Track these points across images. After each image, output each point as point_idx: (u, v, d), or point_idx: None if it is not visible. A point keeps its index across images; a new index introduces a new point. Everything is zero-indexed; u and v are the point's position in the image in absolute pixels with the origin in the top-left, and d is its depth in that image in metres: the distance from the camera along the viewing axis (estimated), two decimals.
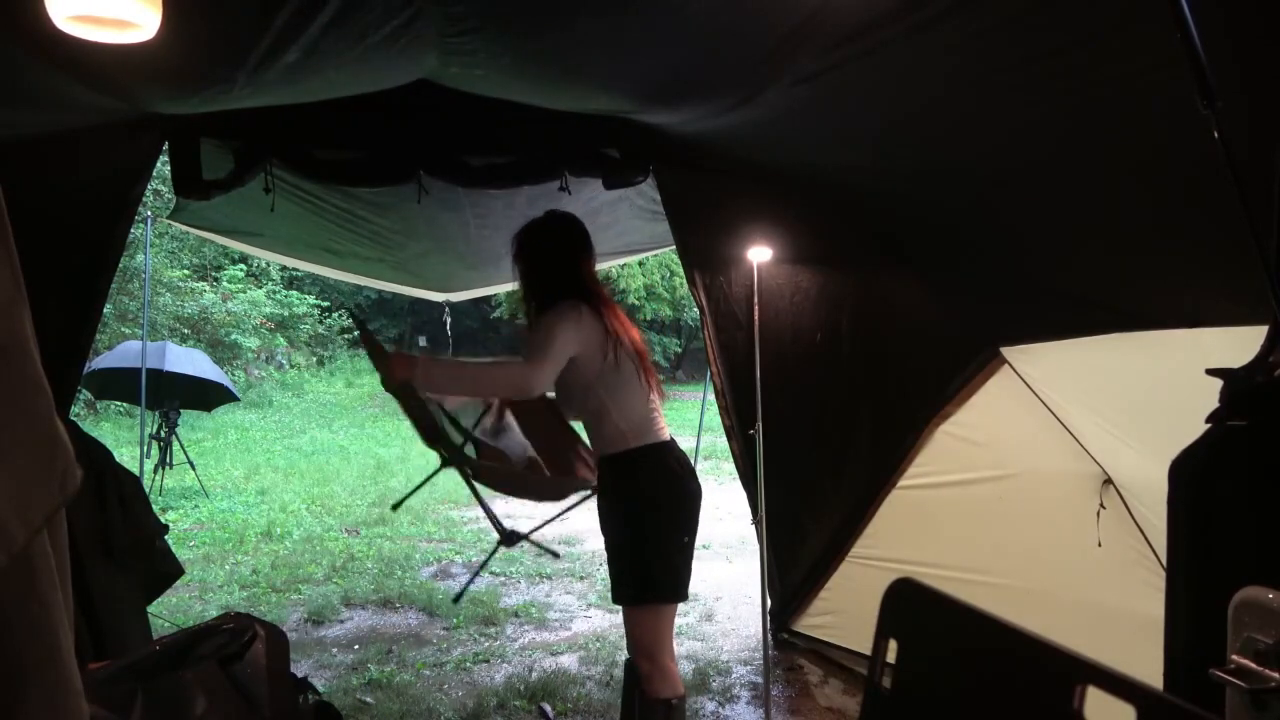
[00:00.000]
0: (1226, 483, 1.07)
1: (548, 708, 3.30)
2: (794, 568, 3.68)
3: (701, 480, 2.50)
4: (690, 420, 10.13)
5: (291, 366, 16.86)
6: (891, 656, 1.04)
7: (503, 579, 5.12)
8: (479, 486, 2.53)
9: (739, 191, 3.17)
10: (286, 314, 16.19)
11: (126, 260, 10.24)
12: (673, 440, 2.47)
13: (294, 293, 16.71)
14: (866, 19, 1.67)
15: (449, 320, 6.57)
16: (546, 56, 2.26)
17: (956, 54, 1.75)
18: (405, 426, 12.36)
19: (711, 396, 4.55)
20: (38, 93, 2.18)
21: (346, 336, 18.82)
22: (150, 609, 2.93)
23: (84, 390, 8.29)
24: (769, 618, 3.43)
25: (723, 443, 4.70)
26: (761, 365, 3.20)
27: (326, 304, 17.84)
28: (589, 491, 2.64)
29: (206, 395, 8.00)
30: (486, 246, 4.29)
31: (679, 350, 20.33)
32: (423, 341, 22.74)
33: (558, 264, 2.46)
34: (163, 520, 3.10)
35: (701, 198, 3.14)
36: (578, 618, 4.45)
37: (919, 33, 1.66)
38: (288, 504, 7.34)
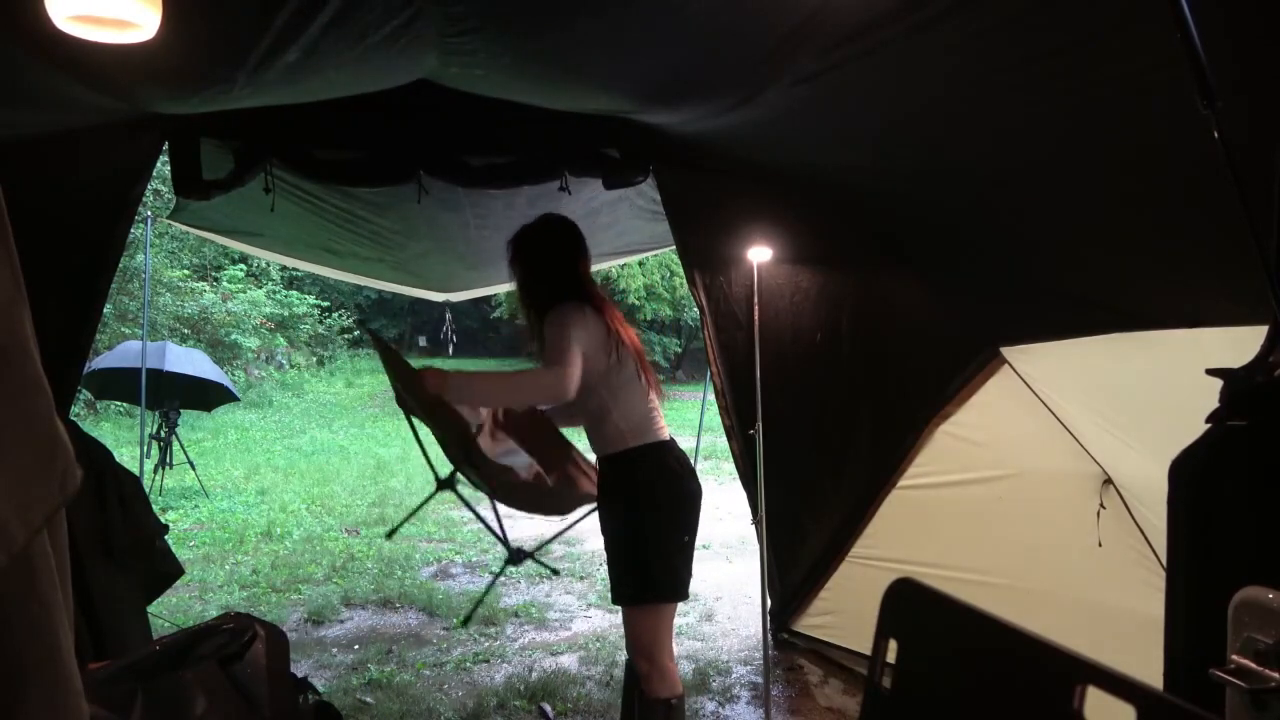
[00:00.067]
0: (1226, 483, 1.07)
1: (548, 708, 3.30)
2: (794, 568, 3.68)
3: (701, 480, 2.50)
4: (690, 420, 10.13)
5: (291, 366, 16.86)
6: (891, 656, 1.04)
7: (503, 579, 5.12)
8: (479, 507, 2.54)
9: (739, 191, 3.17)
10: (286, 314, 16.19)
11: (126, 260, 10.24)
12: (672, 440, 2.47)
13: (294, 293, 16.72)
14: (866, 19, 1.67)
15: (450, 322, 6.57)
16: (546, 56, 2.26)
17: (956, 54, 1.75)
18: (404, 427, 12.39)
19: (711, 396, 4.55)
20: (38, 93, 2.18)
21: (346, 336, 18.83)
22: (150, 609, 2.93)
23: (84, 390, 8.29)
24: (769, 618, 3.43)
25: (723, 443, 4.70)
26: (761, 365, 3.20)
27: (326, 304, 17.85)
28: (593, 505, 2.65)
29: (206, 395, 8.00)
30: (486, 246, 4.28)
31: (679, 350, 20.33)
32: (423, 341, 22.77)
33: (556, 266, 2.47)
34: (163, 520, 3.10)
35: (701, 198, 3.14)
36: (578, 618, 4.45)
37: (919, 33, 1.66)
38: (288, 504, 7.34)
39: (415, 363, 2.46)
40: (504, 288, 6.43)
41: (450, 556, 5.71)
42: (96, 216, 2.69)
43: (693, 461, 2.60)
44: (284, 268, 14.73)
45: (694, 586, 2.49)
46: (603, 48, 2.15)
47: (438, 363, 2.52)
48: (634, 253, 5.29)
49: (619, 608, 2.48)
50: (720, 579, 5.05)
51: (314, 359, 17.84)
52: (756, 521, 3.26)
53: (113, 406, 11.25)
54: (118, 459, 2.83)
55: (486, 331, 22.19)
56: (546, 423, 2.77)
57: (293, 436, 11.72)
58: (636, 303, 17.30)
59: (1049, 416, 2.83)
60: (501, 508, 2.94)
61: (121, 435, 10.42)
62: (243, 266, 15.46)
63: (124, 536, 2.62)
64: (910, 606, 1.05)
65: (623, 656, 3.74)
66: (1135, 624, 1.83)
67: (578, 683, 3.56)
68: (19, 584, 0.50)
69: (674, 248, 3.40)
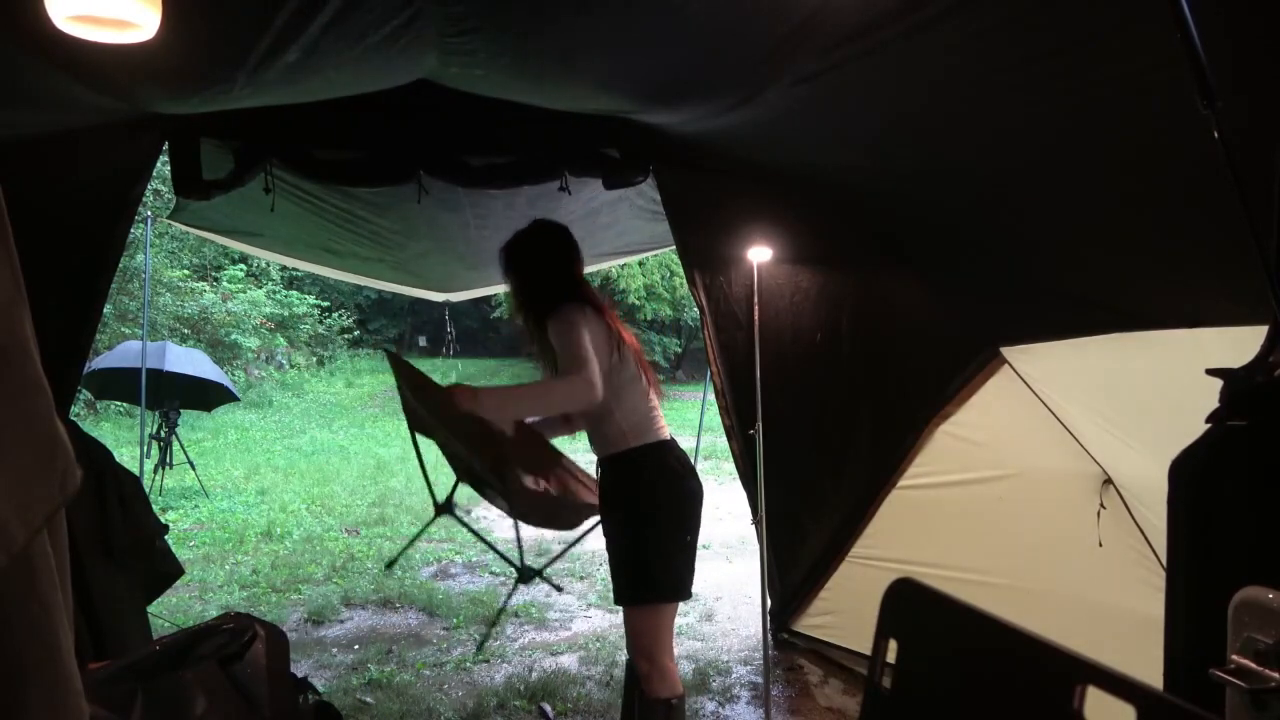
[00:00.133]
0: (1226, 483, 1.07)
1: (548, 708, 3.30)
2: (794, 568, 3.68)
3: (701, 480, 2.50)
4: (690, 420, 10.13)
5: (291, 366, 16.86)
6: (891, 656, 1.04)
7: (502, 579, 5.12)
8: (482, 528, 2.54)
9: (739, 191, 3.17)
10: (286, 314, 16.19)
11: (126, 260, 10.24)
12: (673, 439, 2.48)
13: (294, 293, 16.72)
14: (866, 19, 1.67)
15: (449, 326, 6.59)
16: (546, 56, 2.26)
17: (956, 54, 1.75)
18: (404, 427, 12.39)
19: (711, 396, 4.55)
20: (38, 93, 2.18)
21: (346, 336, 18.83)
22: (150, 609, 2.92)
23: (84, 390, 8.29)
24: (769, 618, 3.43)
25: (723, 443, 4.70)
26: (761, 365, 3.20)
27: (326, 304, 17.85)
28: (597, 518, 2.66)
29: (206, 395, 8.00)
30: (486, 246, 4.28)
31: (679, 350, 20.33)
32: (423, 341, 22.77)
33: (552, 270, 2.48)
34: (163, 520, 3.10)
35: (701, 198, 3.14)
36: (578, 618, 4.45)
37: (919, 33, 1.66)
38: (288, 504, 7.34)
39: (425, 371, 2.46)
40: (504, 288, 6.39)
41: (450, 556, 5.70)
42: (96, 216, 2.68)
43: (693, 461, 2.60)
44: (284, 268, 14.73)
45: (694, 586, 2.49)
46: (603, 48, 2.15)
47: (433, 372, 2.52)
48: (634, 253, 5.28)
49: (619, 608, 2.48)
50: (720, 579, 5.05)
51: (314, 359, 17.83)
52: (756, 521, 3.26)
53: (113, 406, 11.25)
54: (118, 459, 2.83)
55: (486, 331, 22.18)
56: (537, 434, 2.76)
57: (293, 436, 11.72)
58: (636, 303, 17.30)
59: (1049, 416, 2.83)
60: (502, 528, 2.95)
61: (121, 435, 10.42)
62: (243, 266, 15.46)
63: (124, 536, 2.61)
64: (910, 606, 1.05)
65: (623, 656, 3.74)
66: (1135, 624, 1.83)
67: (578, 683, 3.56)
68: (19, 584, 0.50)
69: (674, 248, 3.40)
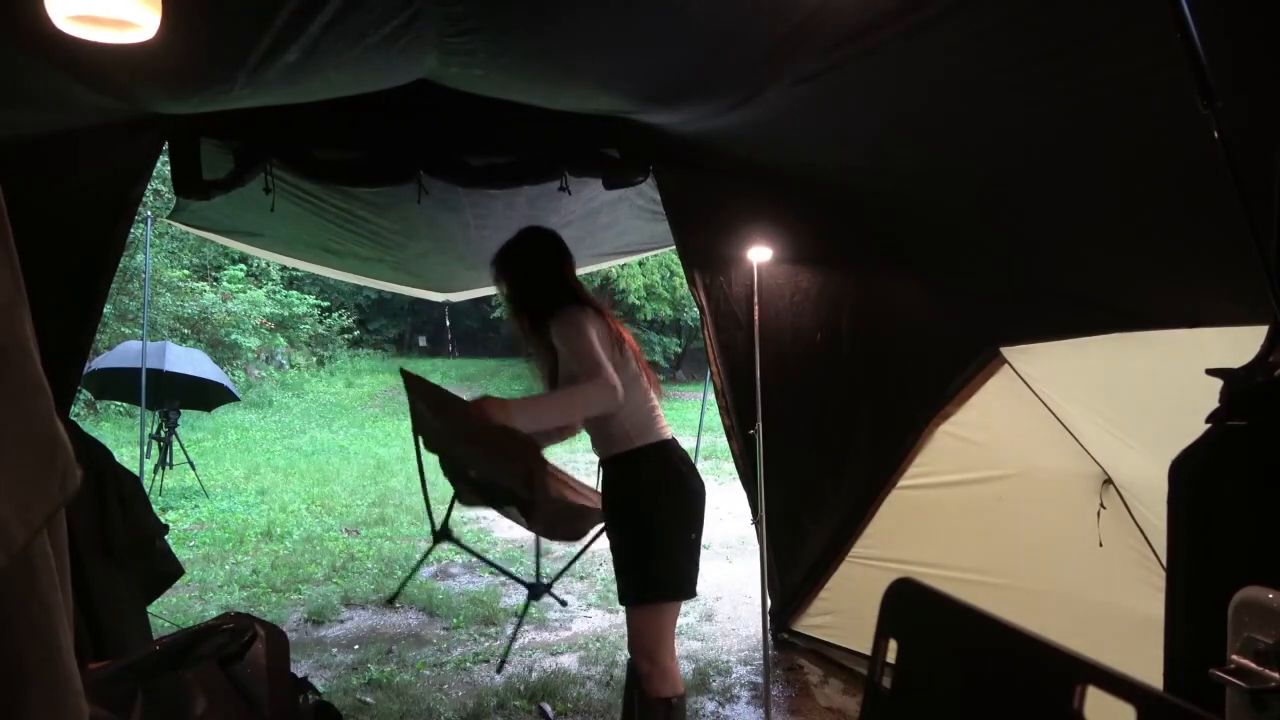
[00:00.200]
0: (1226, 483, 1.07)
1: (548, 708, 3.30)
2: (794, 568, 3.68)
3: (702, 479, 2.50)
4: (690, 420, 10.12)
5: (291, 366, 16.86)
6: (891, 656, 1.04)
7: (502, 579, 5.12)
8: (483, 529, 2.54)
9: (739, 191, 3.17)
10: (286, 314, 16.19)
11: (126, 260, 10.24)
12: (674, 439, 2.49)
13: (294, 293, 16.72)
14: (866, 19, 1.67)
15: (449, 328, 6.60)
16: (546, 56, 2.26)
17: (956, 54, 1.75)
18: (404, 427, 12.38)
19: (711, 396, 4.55)
20: (38, 93, 2.18)
21: (346, 336, 18.84)
22: (150, 609, 2.92)
23: (84, 390, 8.29)
24: (769, 618, 3.43)
25: (723, 443, 4.70)
26: (761, 365, 3.20)
27: (326, 304, 17.85)
28: (600, 529, 2.66)
29: (206, 395, 8.00)
30: (486, 246, 4.25)
31: (679, 350, 20.33)
32: (423, 341, 22.76)
33: (548, 275, 2.50)
34: (163, 520, 3.10)
35: (701, 198, 3.14)
36: (578, 618, 4.45)
37: (919, 33, 1.66)
38: (288, 504, 7.34)
39: (425, 371, 2.45)
40: None
41: (450, 556, 5.70)
42: (96, 216, 2.68)
43: (693, 461, 2.60)
44: (284, 268, 14.73)
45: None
46: (603, 48, 2.15)
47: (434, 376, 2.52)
48: (634, 253, 5.28)
49: (619, 608, 2.49)
50: (720, 579, 5.05)
51: (314, 359, 17.83)
52: (756, 521, 3.26)
53: (113, 406, 11.24)
54: (118, 459, 2.83)
55: (486, 331, 22.18)
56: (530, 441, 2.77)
57: (293, 436, 11.72)
58: (636, 303, 17.29)
59: (1049, 416, 2.83)
60: (501, 528, 2.95)
61: (121, 435, 10.42)
62: (243, 266, 15.46)
63: (124, 536, 2.61)
64: (910, 606, 1.05)
65: (622, 656, 3.74)
66: (1135, 624, 1.83)
67: (578, 683, 3.56)
68: (19, 584, 0.50)
69: (674, 248, 3.40)
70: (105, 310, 7.96)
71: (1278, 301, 1.02)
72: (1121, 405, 2.51)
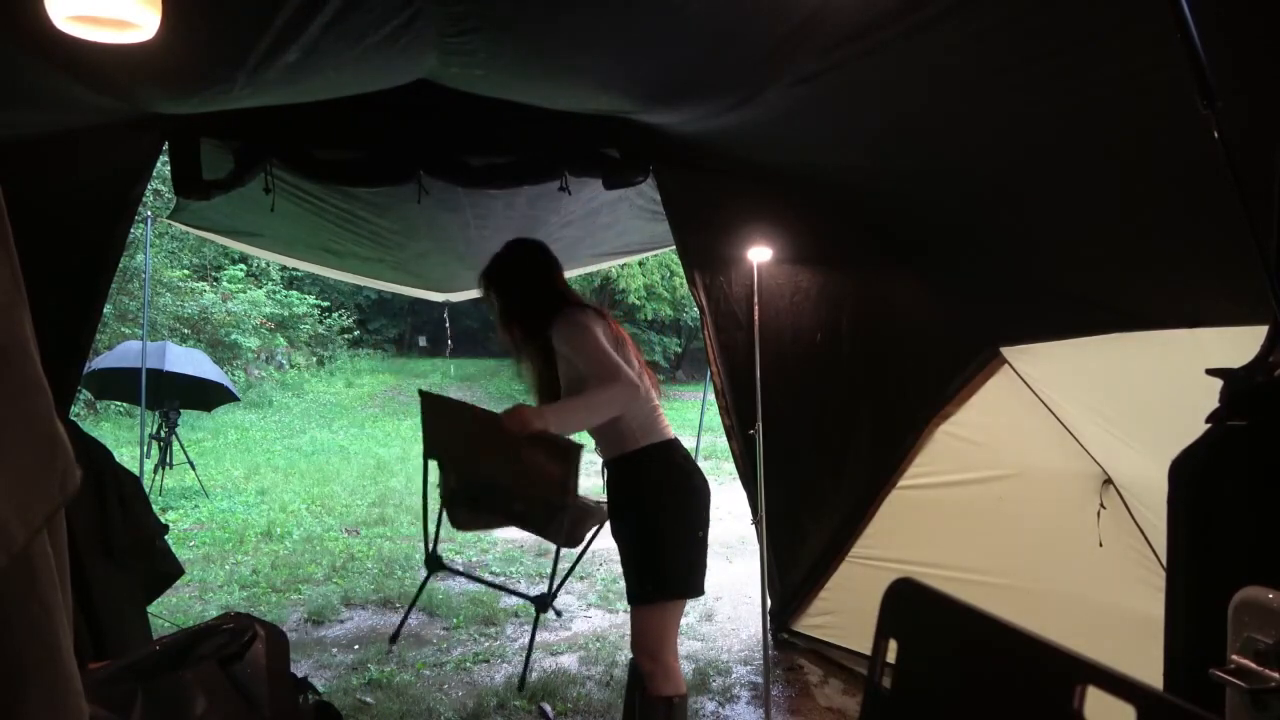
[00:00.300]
0: (1226, 483, 1.07)
1: (548, 708, 3.30)
2: (794, 568, 3.68)
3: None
4: (690, 420, 10.13)
5: (291, 366, 16.85)
6: (891, 656, 1.04)
7: (502, 580, 5.12)
8: (484, 545, 2.55)
9: (739, 191, 3.17)
10: (286, 314, 16.18)
11: (126, 260, 10.24)
12: (677, 439, 2.50)
13: (294, 293, 16.71)
14: (866, 19, 1.67)
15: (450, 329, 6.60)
16: (546, 56, 2.26)
17: (956, 54, 1.75)
18: (404, 427, 12.40)
19: (711, 396, 4.55)
20: (38, 93, 2.18)
21: (346, 336, 18.83)
22: (150, 609, 2.92)
23: (84, 390, 8.29)
24: (769, 618, 3.43)
25: (723, 443, 4.70)
26: (761, 365, 3.20)
27: (326, 304, 17.84)
28: (595, 532, 2.66)
29: (206, 395, 7.99)
30: (486, 247, 4.25)
31: (679, 350, 20.33)
32: (423, 341, 22.76)
33: (541, 284, 2.54)
34: (163, 520, 3.10)
35: (701, 198, 3.14)
36: (578, 618, 4.45)
37: (919, 33, 1.66)
38: (288, 504, 7.34)
39: (424, 372, 2.46)
40: None
41: (450, 556, 5.70)
42: (96, 216, 2.68)
43: None
44: (284, 268, 14.72)
45: None
46: (603, 47, 2.15)
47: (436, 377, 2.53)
48: (634, 253, 5.28)
49: (619, 608, 2.49)
50: (720, 579, 5.04)
51: (314, 359, 17.82)
52: (756, 521, 3.26)
53: (113, 406, 11.24)
54: (118, 459, 2.83)
55: (486, 331, 22.13)
56: (574, 446, 2.78)
57: (293, 436, 11.72)
58: (636, 303, 17.30)
59: (1049, 416, 2.83)
60: (502, 530, 2.96)
61: (121, 435, 10.41)
62: (243, 266, 15.46)
63: (124, 536, 2.61)
64: (910, 606, 1.05)
65: (623, 656, 3.74)
66: (1135, 624, 1.83)
67: (578, 683, 3.56)
68: (19, 584, 0.50)
69: (674, 248, 3.40)
70: (105, 310, 7.96)
71: (1278, 301, 1.02)
72: (1121, 405, 2.51)
